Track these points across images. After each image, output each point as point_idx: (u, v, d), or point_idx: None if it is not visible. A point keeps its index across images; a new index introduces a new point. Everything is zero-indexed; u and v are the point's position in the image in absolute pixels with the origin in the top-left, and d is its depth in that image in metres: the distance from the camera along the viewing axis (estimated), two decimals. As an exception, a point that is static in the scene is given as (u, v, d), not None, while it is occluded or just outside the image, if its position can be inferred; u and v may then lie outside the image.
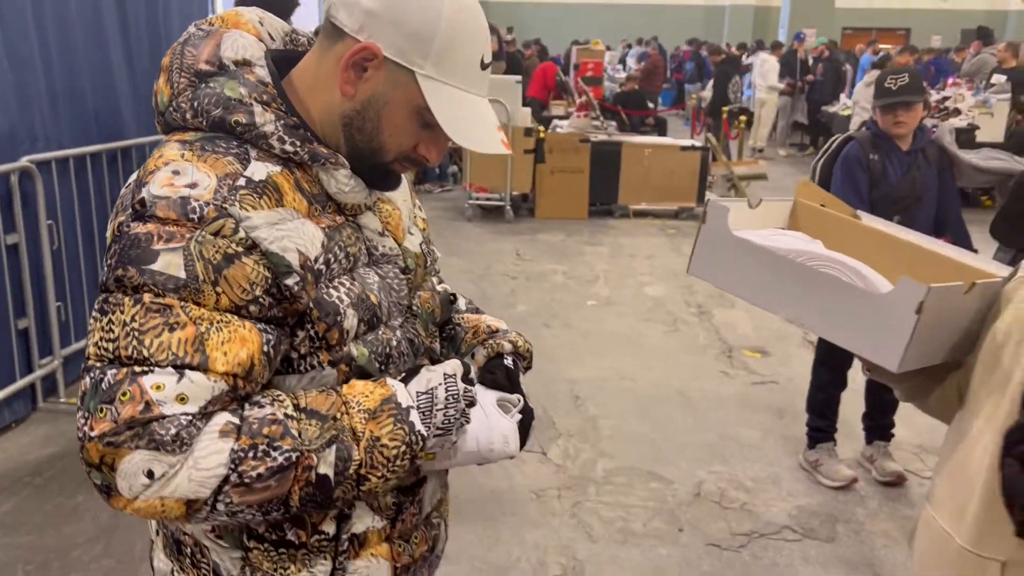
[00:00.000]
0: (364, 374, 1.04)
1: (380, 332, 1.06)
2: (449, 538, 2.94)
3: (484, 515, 3.03)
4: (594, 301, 5.58)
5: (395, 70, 0.99)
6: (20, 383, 3.57)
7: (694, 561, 2.80)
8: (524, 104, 8.45)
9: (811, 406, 3.40)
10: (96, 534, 2.84)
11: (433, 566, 1.26)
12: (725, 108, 10.38)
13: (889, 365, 1.21)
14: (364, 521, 1.09)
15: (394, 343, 1.08)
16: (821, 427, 3.35)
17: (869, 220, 1.62)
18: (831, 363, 3.30)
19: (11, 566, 2.66)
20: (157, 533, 1.17)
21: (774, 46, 13.24)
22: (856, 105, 9.07)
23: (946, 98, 8.64)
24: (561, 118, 9.13)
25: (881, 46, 14.72)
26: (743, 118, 10.11)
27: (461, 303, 1.36)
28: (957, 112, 8.36)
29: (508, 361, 1.25)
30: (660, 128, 10.96)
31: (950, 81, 10.38)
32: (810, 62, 12.82)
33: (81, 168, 3.88)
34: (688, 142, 8.34)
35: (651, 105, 12.46)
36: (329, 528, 1.07)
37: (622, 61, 18.36)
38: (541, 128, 7.98)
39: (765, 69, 12.24)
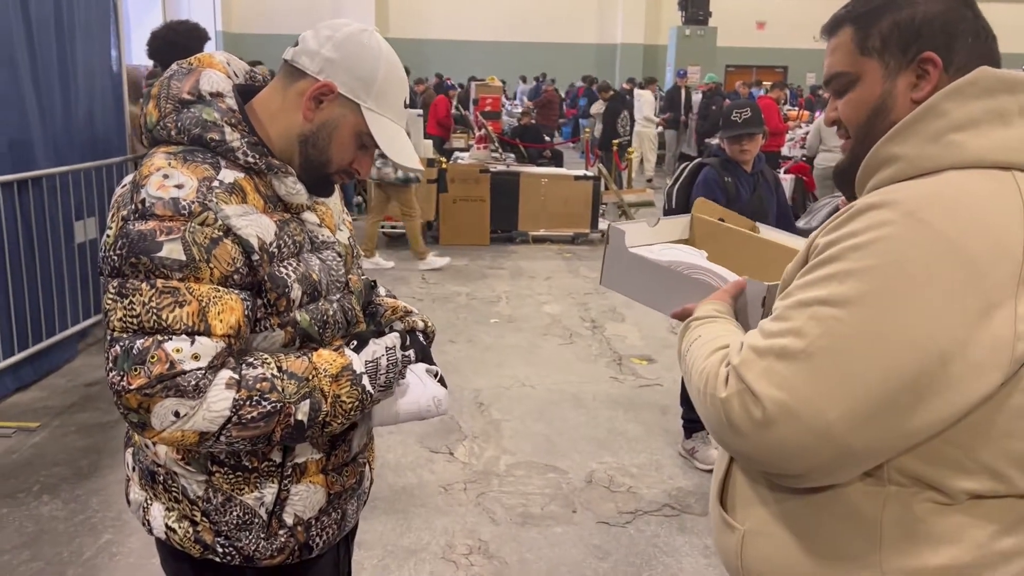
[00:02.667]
0: (306, 335, 1.35)
1: (320, 303, 1.37)
2: (364, 529, 3.21)
3: (396, 508, 3.30)
4: (496, 319, 5.94)
5: (345, 103, 1.34)
6: (-66, 406, 3.63)
7: (586, 536, 3.16)
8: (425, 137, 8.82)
9: (684, 400, 3.84)
10: (23, 542, 2.97)
11: (360, 500, 1.56)
12: (615, 141, 11.04)
13: None
14: (305, 453, 1.40)
15: (331, 312, 1.39)
16: (694, 419, 3.78)
17: (764, 229, 1.92)
18: None
19: (-58, 571, 2.77)
20: (133, 469, 1.44)
21: (648, 82, 14.11)
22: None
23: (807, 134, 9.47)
24: (462, 150, 9.54)
25: (765, 83, 15.85)
26: (632, 150, 10.78)
27: (381, 290, 1.69)
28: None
29: (420, 337, 1.59)
30: (556, 160, 11.52)
31: (818, 114, 11.37)
32: (694, 98, 13.71)
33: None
34: (582, 172, 8.89)
35: (547, 138, 13.05)
36: (276, 457, 1.37)
37: (511, 96, 19.04)
38: (443, 159, 8.36)
39: (641, 103, 13.08)
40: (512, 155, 9.96)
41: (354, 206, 9.69)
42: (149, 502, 1.40)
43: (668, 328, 5.77)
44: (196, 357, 1.19)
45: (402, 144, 1.39)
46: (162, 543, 1.41)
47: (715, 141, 11.55)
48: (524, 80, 21.51)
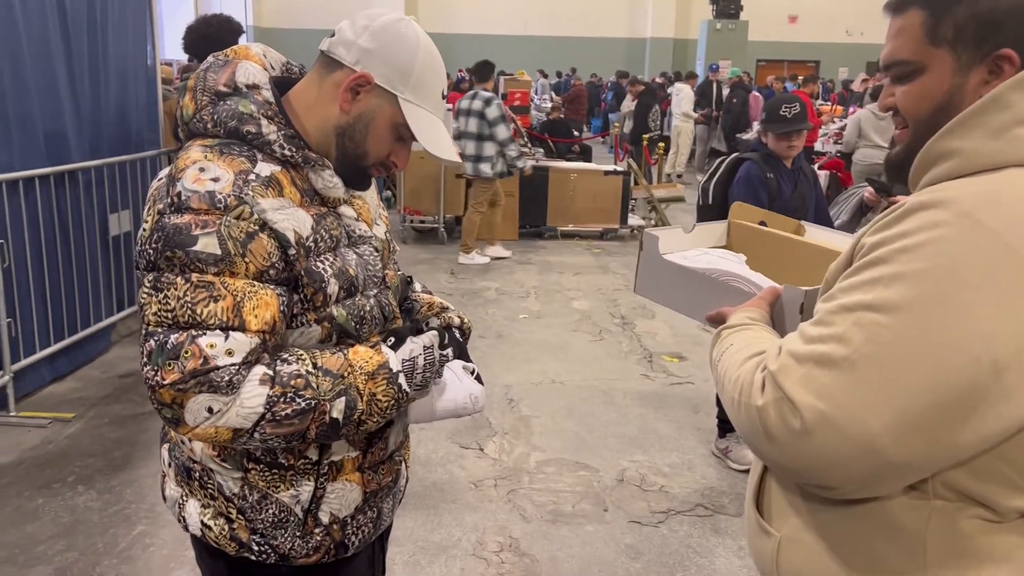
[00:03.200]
0: (343, 331, 1.33)
1: (356, 299, 1.35)
2: (395, 525, 3.21)
3: (427, 504, 3.29)
4: (525, 315, 5.92)
5: (382, 94, 1.31)
6: (-28, 396, 3.68)
7: (618, 536, 3.12)
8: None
9: (718, 400, 3.78)
10: (58, 532, 2.99)
11: (396, 498, 1.54)
12: (645, 136, 10.95)
13: None
14: (341, 451, 1.37)
15: (367, 308, 1.37)
16: (728, 419, 3.72)
17: (811, 229, 1.86)
18: None
19: (-21, 560, 2.80)
20: (168, 465, 1.43)
21: (688, 76, 13.96)
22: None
23: (844, 128, 9.32)
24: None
25: (798, 77, 15.65)
26: (661, 145, 10.69)
27: (417, 286, 1.67)
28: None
29: (456, 334, 1.57)
30: (585, 155, 11.45)
31: (851, 109, 11.18)
32: (724, 92, 13.56)
33: (31, 190, 4.03)
34: (611, 167, 8.82)
35: (576, 133, 12.98)
36: (313, 454, 1.35)
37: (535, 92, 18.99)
38: (472, 154, 8.31)
39: (680, 98, 12.93)
40: (541, 150, 9.92)
41: (383, 199, 9.68)
42: (185, 498, 1.38)
43: (699, 325, 5.69)
44: (230, 353, 1.17)
45: (439, 136, 1.36)
46: (197, 540, 1.40)
47: (750, 136, 11.44)
48: (544, 75, 21.41)
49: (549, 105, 14.67)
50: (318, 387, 1.22)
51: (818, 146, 9.96)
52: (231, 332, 1.18)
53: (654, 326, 5.70)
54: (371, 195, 1.49)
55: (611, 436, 3.96)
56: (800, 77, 14.28)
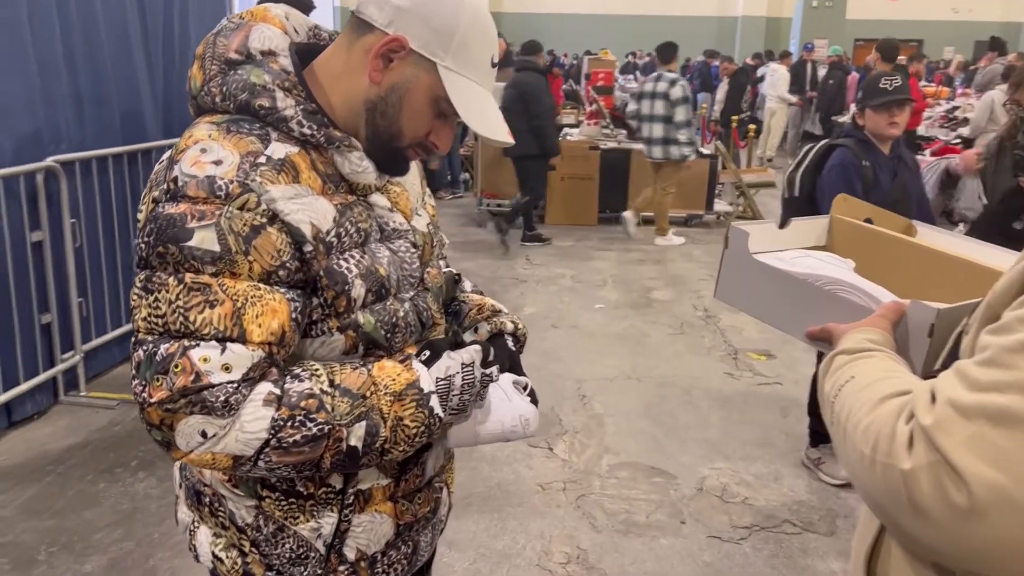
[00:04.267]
0: (371, 341, 1.13)
1: (388, 303, 1.15)
2: (456, 528, 3.01)
3: (490, 507, 3.11)
4: (602, 304, 5.66)
5: (418, 61, 1.09)
6: (42, 376, 3.68)
7: (696, 552, 2.87)
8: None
9: (812, 411, 3.46)
10: (116, 519, 2.93)
11: (436, 529, 1.34)
12: (735, 117, 10.46)
13: None
14: (370, 478, 1.18)
15: (401, 314, 1.16)
16: (822, 430, 3.41)
17: (924, 231, 1.56)
18: None
19: (35, 547, 2.76)
20: (180, 486, 1.26)
21: (782, 56, 13.31)
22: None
23: (955, 108, 8.69)
24: (571, 126, 9.23)
25: (900, 58, 14.75)
26: (752, 127, 10.18)
27: (467, 284, 1.46)
28: (966, 121, 8.40)
29: (509, 342, 1.35)
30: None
31: (959, 91, 10.43)
32: (820, 73, 12.87)
33: (103, 168, 4.01)
34: (705, 150, 8.42)
35: (662, 114, 12.52)
36: (336, 482, 1.16)
37: (628, 71, 18.49)
38: (552, 136, 8.06)
39: (775, 79, 12.32)
40: (623, 131, 9.57)
41: (460, 182, 9.54)
42: (196, 524, 1.22)
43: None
44: (227, 368, 0.99)
45: (487, 112, 1.14)
46: (210, 572, 1.23)
47: (845, 119, 10.81)
48: (635, 55, 20.79)
49: (634, 86, 14.24)
50: (333, 409, 1.03)
51: (921, 130, 9.30)
52: (228, 344, 0.99)
53: (740, 320, 5.36)
54: (412, 181, 1.28)
55: (690, 440, 3.69)
56: (903, 56, 13.43)
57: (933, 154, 6.62)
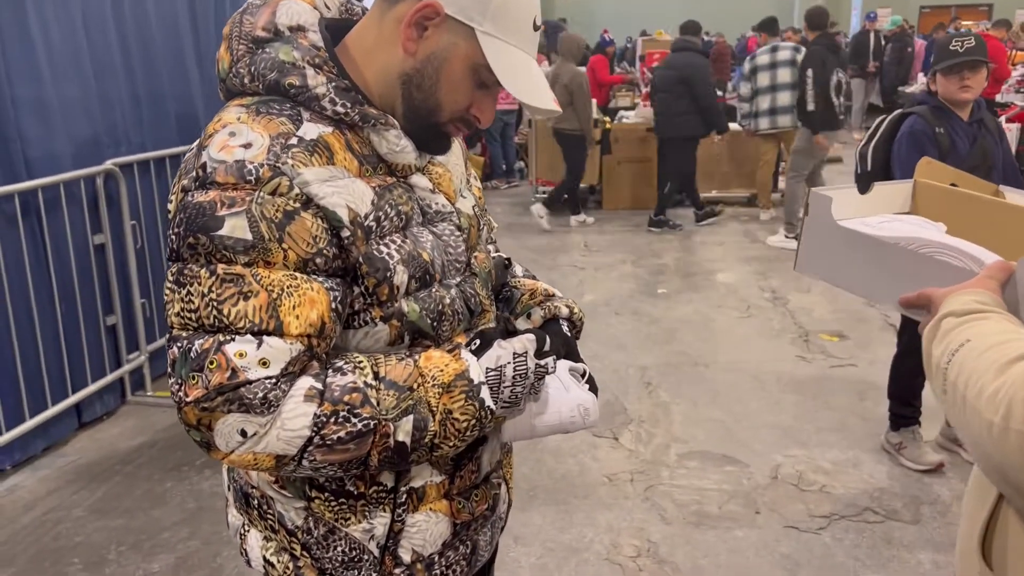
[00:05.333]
0: (416, 330, 1.06)
1: (434, 290, 1.07)
2: (521, 521, 2.94)
3: (556, 499, 3.03)
4: (664, 289, 5.52)
5: (455, 28, 1.01)
6: (110, 377, 3.74)
7: (772, 543, 2.74)
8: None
9: (892, 394, 3.28)
10: (183, 518, 2.95)
11: (495, 527, 1.26)
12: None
13: None
14: (423, 476, 1.11)
15: (447, 301, 1.09)
16: (905, 413, 3.23)
17: (1013, 195, 1.44)
18: (913, 353, 3.18)
19: (104, 546, 2.78)
20: (228, 489, 1.21)
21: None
22: None
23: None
24: (627, 109, 9.05)
25: (964, 23, 14.13)
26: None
27: (518, 269, 1.37)
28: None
29: (564, 327, 1.26)
30: (729, 115, 10.74)
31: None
32: (882, 43, 12.39)
33: (161, 169, 4.05)
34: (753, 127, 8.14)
35: (720, 93, 12.22)
36: (387, 480, 1.09)
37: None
38: (607, 119, 7.93)
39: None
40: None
41: (515, 171, 9.46)
42: (246, 528, 1.17)
43: (863, 300, 5.12)
44: (264, 363, 0.93)
45: (531, 78, 1.05)
46: (263, 576, 1.18)
47: (914, 89, 10.37)
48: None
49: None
50: (379, 403, 0.96)
51: (998, 97, 8.84)
52: (265, 337, 0.93)
53: (810, 301, 5.16)
54: (455, 160, 1.20)
55: (762, 427, 3.54)
56: (973, 22, 12.82)
57: (1009, 120, 6.28)
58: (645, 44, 12.10)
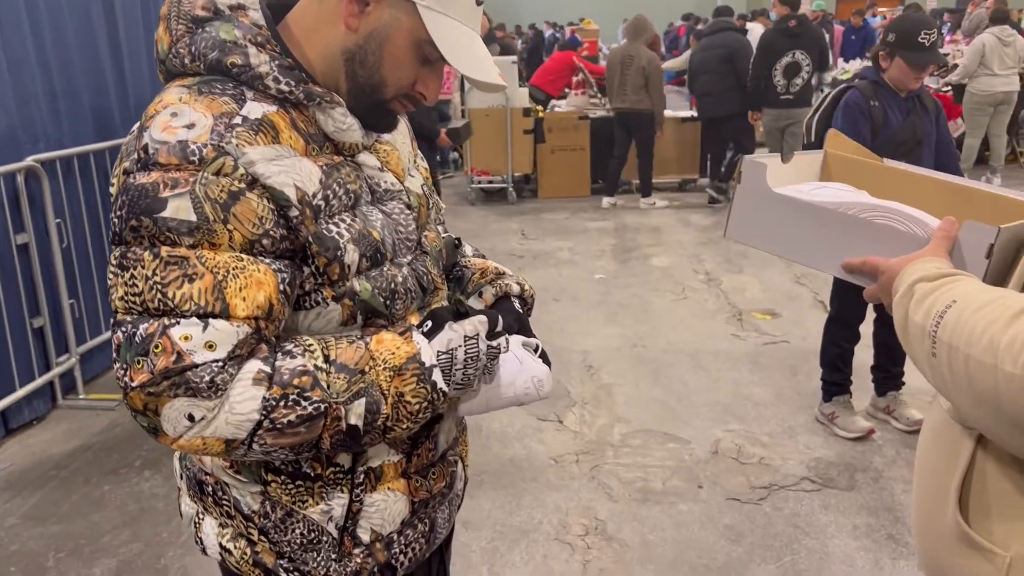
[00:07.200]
0: (369, 309, 1.06)
1: (385, 268, 1.07)
2: (470, 507, 2.95)
3: (504, 483, 3.05)
4: (601, 275, 5.59)
5: (396, 3, 1.01)
6: (39, 381, 3.60)
7: (715, 515, 2.82)
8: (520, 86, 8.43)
9: (824, 361, 3.41)
10: (124, 521, 2.87)
11: (453, 504, 1.28)
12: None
13: None
14: (380, 455, 1.11)
15: (399, 279, 1.09)
16: (836, 380, 3.36)
17: (894, 165, 1.48)
18: (844, 319, 3.30)
19: (43, 554, 2.70)
20: (181, 477, 1.19)
21: (755, 15, 13.16)
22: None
23: (945, 54, 8.57)
24: (559, 98, 9.11)
25: (880, 9, 14.59)
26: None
27: (467, 249, 1.38)
28: (955, 67, 8.31)
29: (516, 304, 1.28)
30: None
31: (948, 38, 10.32)
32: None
33: (85, 166, 3.91)
34: (688, 114, 8.30)
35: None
36: (345, 461, 1.09)
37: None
38: (539, 107, 7.97)
39: (754, 37, 12.18)
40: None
41: (450, 162, 9.43)
42: (200, 516, 1.15)
43: (793, 278, 5.29)
44: (210, 346, 0.92)
45: (475, 53, 1.05)
46: (219, 564, 1.16)
47: (835, 74, 10.67)
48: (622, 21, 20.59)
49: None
50: (329, 386, 0.96)
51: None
52: (211, 320, 0.92)
53: (742, 281, 5.30)
54: (401, 139, 1.20)
55: (702, 404, 3.64)
56: (883, 9, 13.27)
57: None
58: (576, 33, 12.20)
